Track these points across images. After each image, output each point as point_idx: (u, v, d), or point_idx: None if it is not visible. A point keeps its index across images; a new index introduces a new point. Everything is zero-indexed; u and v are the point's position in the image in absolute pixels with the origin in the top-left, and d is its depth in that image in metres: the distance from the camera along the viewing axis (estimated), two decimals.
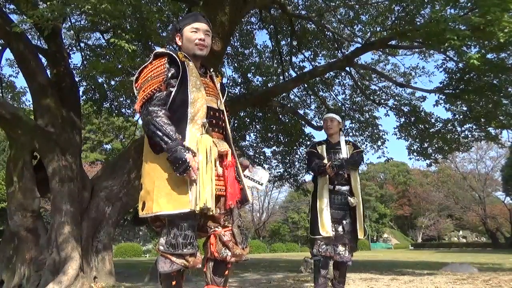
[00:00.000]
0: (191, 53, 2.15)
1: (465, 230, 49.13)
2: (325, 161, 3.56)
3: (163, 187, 1.94)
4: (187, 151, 1.87)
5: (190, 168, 1.86)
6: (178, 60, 2.04)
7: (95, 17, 4.66)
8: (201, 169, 1.92)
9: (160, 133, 1.90)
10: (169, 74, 2.02)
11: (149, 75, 2.03)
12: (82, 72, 7.61)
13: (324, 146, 3.71)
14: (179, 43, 2.19)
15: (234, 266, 2.25)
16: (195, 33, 2.14)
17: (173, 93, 2.01)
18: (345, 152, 3.62)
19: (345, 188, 3.55)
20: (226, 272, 2.17)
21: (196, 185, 1.91)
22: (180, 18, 3.61)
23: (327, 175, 3.49)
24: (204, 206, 1.89)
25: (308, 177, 14.75)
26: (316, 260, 3.48)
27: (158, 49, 2.15)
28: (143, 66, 2.11)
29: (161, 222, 2.05)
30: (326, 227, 3.40)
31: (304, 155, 4.05)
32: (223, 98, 2.26)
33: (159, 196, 1.93)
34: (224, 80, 9.79)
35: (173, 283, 2.03)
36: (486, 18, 4.67)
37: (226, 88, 2.42)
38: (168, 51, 2.08)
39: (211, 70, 2.31)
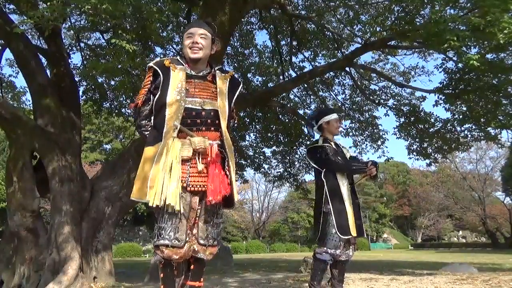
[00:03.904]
0: (187, 57, 2.30)
1: (464, 230, 49.11)
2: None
3: (138, 176, 2.17)
4: None
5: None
6: (158, 69, 2.22)
7: (95, 17, 4.66)
8: (168, 170, 2.05)
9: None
10: (153, 86, 2.25)
11: (143, 84, 2.32)
12: (82, 72, 7.61)
13: (332, 145, 3.54)
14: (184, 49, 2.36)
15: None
16: (189, 38, 2.29)
17: (155, 99, 2.23)
18: (347, 152, 3.59)
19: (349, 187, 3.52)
20: (192, 267, 2.24)
21: (159, 182, 2.04)
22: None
23: (345, 174, 3.40)
24: (160, 203, 2.01)
25: (308, 177, 14.75)
26: (328, 261, 3.33)
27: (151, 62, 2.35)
28: None
29: None
30: (352, 227, 3.30)
31: (314, 152, 3.77)
32: (234, 94, 2.37)
33: (135, 184, 2.16)
34: None
35: (161, 275, 2.14)
36: (486, 19, 4.66)
37: (238, 84, 2.51)
38: (152, 64, 2.28)
39: (215, 69, 2.39)
